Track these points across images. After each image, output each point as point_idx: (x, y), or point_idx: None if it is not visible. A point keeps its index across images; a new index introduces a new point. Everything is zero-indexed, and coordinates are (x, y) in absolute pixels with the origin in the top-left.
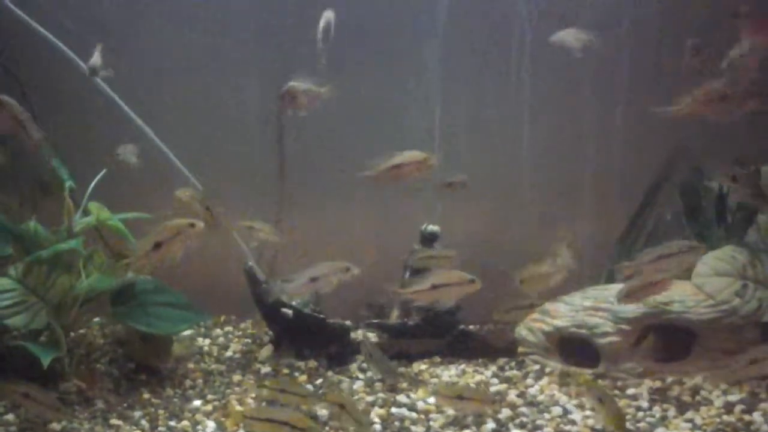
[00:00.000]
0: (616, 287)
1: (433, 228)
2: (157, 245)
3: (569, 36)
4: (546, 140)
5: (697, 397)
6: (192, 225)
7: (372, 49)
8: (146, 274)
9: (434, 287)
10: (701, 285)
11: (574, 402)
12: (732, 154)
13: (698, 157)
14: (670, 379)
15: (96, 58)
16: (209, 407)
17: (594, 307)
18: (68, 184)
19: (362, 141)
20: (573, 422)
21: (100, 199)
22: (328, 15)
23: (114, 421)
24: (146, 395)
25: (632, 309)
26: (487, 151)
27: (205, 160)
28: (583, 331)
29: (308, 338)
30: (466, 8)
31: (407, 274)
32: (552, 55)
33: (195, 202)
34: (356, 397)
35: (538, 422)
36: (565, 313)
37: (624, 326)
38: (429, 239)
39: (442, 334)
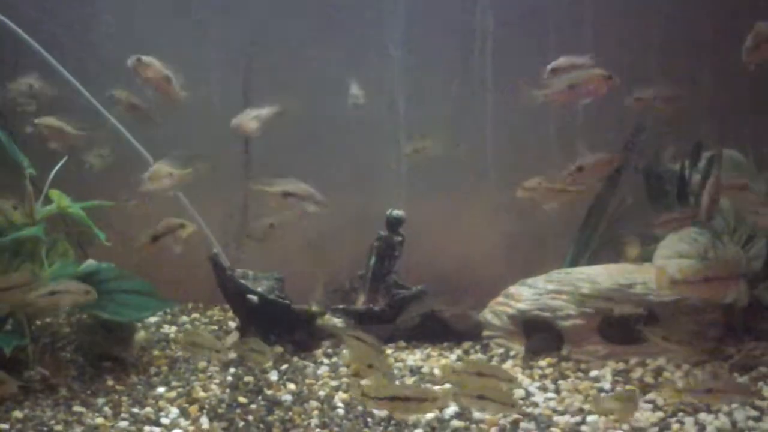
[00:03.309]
0: (579, 270)
1: (398, 213)
2: (155, 239)
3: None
4: (508, 127)
5: (660, 379)
6: (183, 225)
7: (335, 41)
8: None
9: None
10: (663, 267)
11: (537, 384)
12: (691, 137)
13: (657, 138)
14: (633, 361)
15: None
16: (173, 394)
17: (557, 290)
18: (29, 171)
19: (326, 136)
20: (535, 404)
21: (64, 187)
22: None
23: (77, 408)
24: (110, 382)
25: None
26: (451, 141)
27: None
28: (547, 314)
29: (274, 324)
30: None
31: (373, 259)
32: (515, 39)
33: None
34: (321, 382)
35: None
36: (528, 296)
37: (587, 309)
38: (394, 224)
39: (408, 319)
